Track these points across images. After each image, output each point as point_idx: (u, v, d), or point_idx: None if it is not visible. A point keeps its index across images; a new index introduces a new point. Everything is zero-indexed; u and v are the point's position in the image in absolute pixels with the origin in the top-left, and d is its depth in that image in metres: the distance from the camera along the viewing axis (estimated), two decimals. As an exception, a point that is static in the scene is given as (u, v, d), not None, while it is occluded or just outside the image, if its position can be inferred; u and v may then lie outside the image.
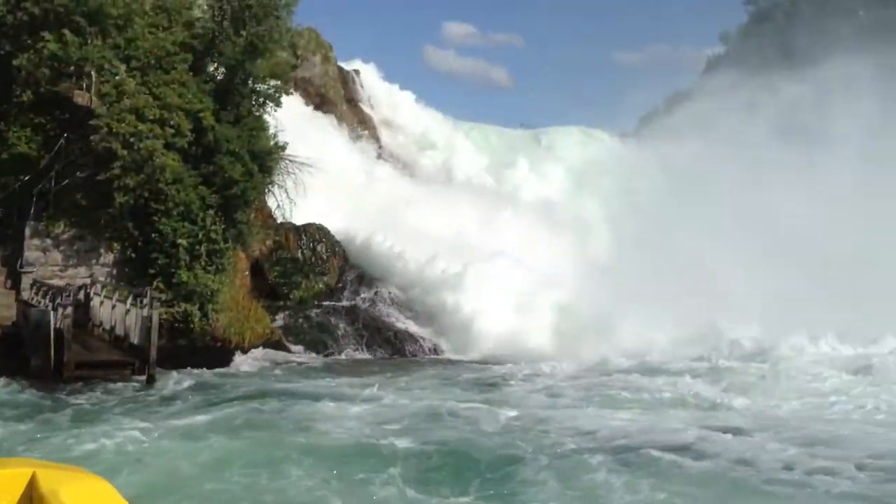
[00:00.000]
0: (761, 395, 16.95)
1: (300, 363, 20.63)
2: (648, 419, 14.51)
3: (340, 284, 24.88)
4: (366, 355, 22.49)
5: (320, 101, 36.75)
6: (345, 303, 24.27)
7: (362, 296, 24.58)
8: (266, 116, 22.03)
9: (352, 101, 39.54)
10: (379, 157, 37.03)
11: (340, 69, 39.58)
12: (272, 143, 21.53)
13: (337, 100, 38.10)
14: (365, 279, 25.32)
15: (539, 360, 21.66)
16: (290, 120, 25.09)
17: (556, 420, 14.16)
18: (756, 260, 28.53)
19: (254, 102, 21.58)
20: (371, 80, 42.14)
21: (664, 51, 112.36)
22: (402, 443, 12.20)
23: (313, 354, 21.68)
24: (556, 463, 11.28)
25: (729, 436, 12.99)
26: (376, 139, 38.96)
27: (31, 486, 3.07)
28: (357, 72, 41.15)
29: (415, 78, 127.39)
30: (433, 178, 38.47)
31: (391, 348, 23.09)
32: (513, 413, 14.69)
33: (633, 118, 64.15)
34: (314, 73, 37.39)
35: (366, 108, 39.96)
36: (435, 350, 23.32)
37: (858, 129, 41.25)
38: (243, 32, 20.97)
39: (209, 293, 20.09)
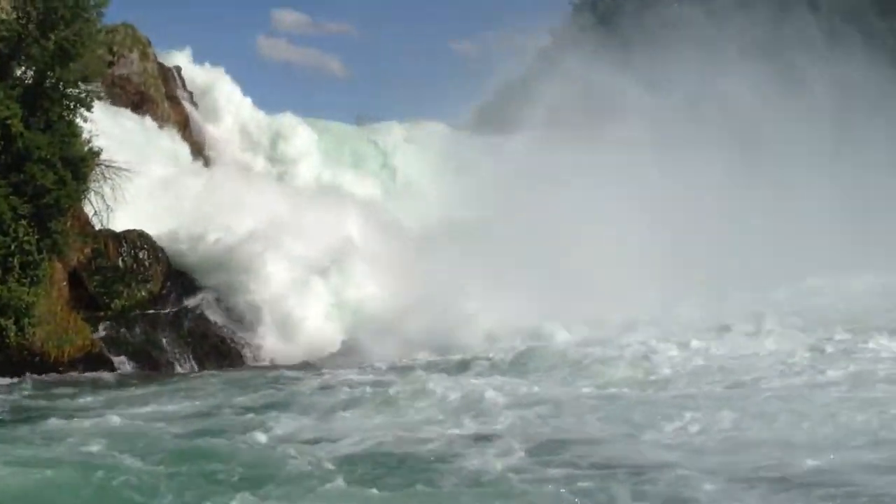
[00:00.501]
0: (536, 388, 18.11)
1: (106, 376, 20.88)
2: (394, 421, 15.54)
3: (165, 292, 24.85)
4: (191, 364, 22.74)
5: (140, 100, 36.18)
6: (170, 310, 24.32)
7: (188, 303, 24.66)
8: (79, 121, 21.88)
9: (174, 97, 39.11)
10: (201, 156, 36.79)
11: (161, 65, 39.07)
12: (86, 148, 21.43)
13: (158, 97, 37.59)
14: (190, 285, 25.35)
15: (368, 362, 22.54)
16: (106, 122, 25.02)
17: (320, 429, 14.96)
18: (591, 254, 30.05)
19: (65, 107, 21.36)
20: (196, 76, 41.78)
21: (497, 40, 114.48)
22: (115, 460, 12.56)
23: (135, 365, 21.87)
24: (294, 480, 11.80)
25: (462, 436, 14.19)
26: (199, 137, 38.74)
27: None
28: (178, 68, 40.70)
29: (248, 69, 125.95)
30: (259, 176, 38.55)
31: (218, 355, 23.32)
32: (279, 423, 15.32)
33: (468, 109, 65.82)
34: (132, 70, 36.76)
35: (188, 105, 39.58)
36: (262, 356, 23.74)
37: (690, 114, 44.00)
38: (51, 36, 20.81)
39: (24, 306, 19.85)
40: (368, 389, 18.40)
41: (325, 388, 19.13)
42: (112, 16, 25.97)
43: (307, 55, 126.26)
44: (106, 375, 21.01)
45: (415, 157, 47.12)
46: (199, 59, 42.64)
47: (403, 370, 21.02)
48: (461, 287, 26.04)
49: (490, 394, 17.18)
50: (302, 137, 42.75)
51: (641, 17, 58.03)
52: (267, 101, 42.41)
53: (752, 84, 48.73)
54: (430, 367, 21.17)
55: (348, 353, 23.87)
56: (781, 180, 41.73)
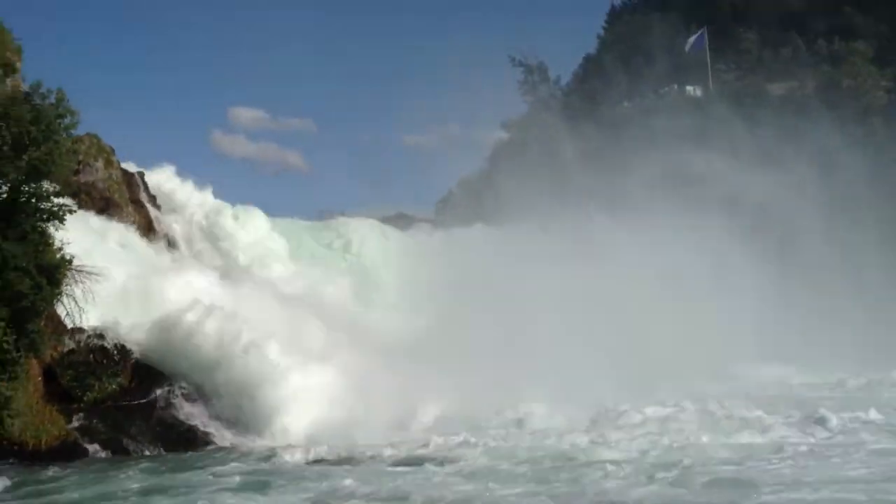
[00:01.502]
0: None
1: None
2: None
3: (134, 384, 27.54)
4: (160, 450, 25.37)
5: (105, 205, 39.06)
6: (139, 401, 26.97)
7: (156, 393, 27.33)
8: (52, 230, 24.82)
9: (137, 202, 42.06)
10: (166, 254, 39.51)
11: (125, 171, 42.12)
12: (59, 256, 24.35)
13: (122, 202, 40.52)
14: (159, 377, 28.04)
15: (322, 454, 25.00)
16: (79, 229, 27.80)
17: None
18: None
19: (38, 219, 24.31)
20: (159, 180, 44.84)
21: (454, 134, 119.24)
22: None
23: (108, 452, 24.52)
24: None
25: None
26: (166, 238, 41.62)
27: None
28: (142, 173, 43.74)
29: (206, 165, 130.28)
30: (226, 275, 41.23)
31: (185, 442, 25.93)
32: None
33: (431, 202, 69.46)
34: (97, 177, 39.74)
35: (152, 209, 42.52)
36: (225, 443, 26.33)
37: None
38: (24, 156, 23.91)
39: (3, 400, 22.54)
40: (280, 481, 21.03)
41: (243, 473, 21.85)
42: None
43: (266, 150, 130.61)
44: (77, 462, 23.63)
45: (379, 253, 49.73)
46: (156, 159, 45.89)
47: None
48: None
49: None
50: (265, 234, 45.74)
51: (595, 114, 62.37)
52: (227, 198, 45.39)
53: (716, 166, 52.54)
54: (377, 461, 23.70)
55: (309, 443, 26.05)
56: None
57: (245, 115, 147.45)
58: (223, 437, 26.81)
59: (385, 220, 56.43)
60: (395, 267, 48.28)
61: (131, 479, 21.46)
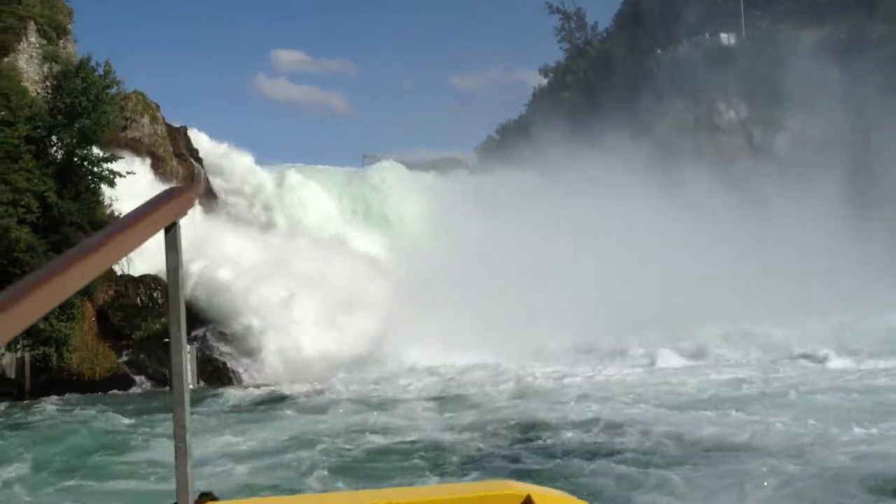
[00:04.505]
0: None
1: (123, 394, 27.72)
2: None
3: (177, 324, 31.91)
4: (196, 384, 29.72)
5: (151, 159, 43.34)
6: (181, 340, 31.31)
7: (195, 333, 31.74)
8: (104, 188, 29.21)
9: (181, 156, 46.31)
10: (209, 209, 43.79)
11: (169, 126, 46.33)
12: (108, 212, 28.78)
13: (167, 156, 44.79)
14: (198, 319, 32.46)
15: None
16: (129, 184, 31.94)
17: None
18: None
19: (91, 180, 28.76)
20: (201, 139, 48.96)
21: (498, 74, 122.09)
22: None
23: (153, 383, 29.03)
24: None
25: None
26: (207, 191, 45.87)
27: None
28: (185, 128, 47.91)
29: (248, 110, 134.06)
30: (256, 223, 45.37)
31: (220, 376, 30.36)
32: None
33: (471, 145, 72.72)
34: (143, 133, 43.98)
35: (195, 163, 46.72)
36: (256, 378, 30.43)
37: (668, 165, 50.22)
38: (76, 124, 28.28)
39: (63, 337, 27.09)
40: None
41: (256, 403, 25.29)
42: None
43: (308, 93, 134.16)
44: (126, 392, 28.19)
45: (418, 203, 52.66)
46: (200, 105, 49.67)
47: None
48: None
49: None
50: (300, 188, 49.60)
51: (629, 62, 65.12)
52: (271, 142, 48.86)
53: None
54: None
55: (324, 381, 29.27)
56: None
57: (287, 57, 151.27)
58: (251, 375, 30.96)
59: (432, 163, 60.07)
60: (432, 216, 50.89)
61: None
